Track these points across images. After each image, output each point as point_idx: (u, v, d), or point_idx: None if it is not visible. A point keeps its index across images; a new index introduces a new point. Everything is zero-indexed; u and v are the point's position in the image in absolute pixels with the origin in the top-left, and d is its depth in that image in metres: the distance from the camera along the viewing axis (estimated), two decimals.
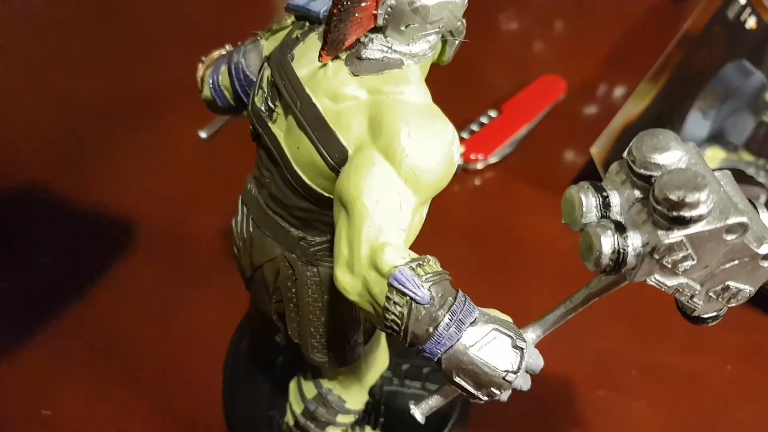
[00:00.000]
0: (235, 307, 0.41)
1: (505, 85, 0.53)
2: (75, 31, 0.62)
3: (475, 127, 0.50)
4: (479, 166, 0.49)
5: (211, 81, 0.30)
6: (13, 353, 0.41)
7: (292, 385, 0.35)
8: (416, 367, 0.39)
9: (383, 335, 0.33)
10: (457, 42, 0.25)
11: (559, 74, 0.55)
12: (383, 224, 0.21)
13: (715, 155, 0.52)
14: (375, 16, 0.23)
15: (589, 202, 0.20)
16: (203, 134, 0.37)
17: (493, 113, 0.51)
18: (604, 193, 0.20)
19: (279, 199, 0.26)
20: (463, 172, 0.50)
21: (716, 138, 0.53)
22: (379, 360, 0.34)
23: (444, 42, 0.24)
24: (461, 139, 0.49)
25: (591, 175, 0.50)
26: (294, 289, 0.27)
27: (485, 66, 0.55)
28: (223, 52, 0.31)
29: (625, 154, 0.20)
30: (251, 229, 0.28)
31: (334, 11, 0.22)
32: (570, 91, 0.54)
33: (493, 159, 0.50)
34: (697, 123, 0.52)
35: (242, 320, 0.41)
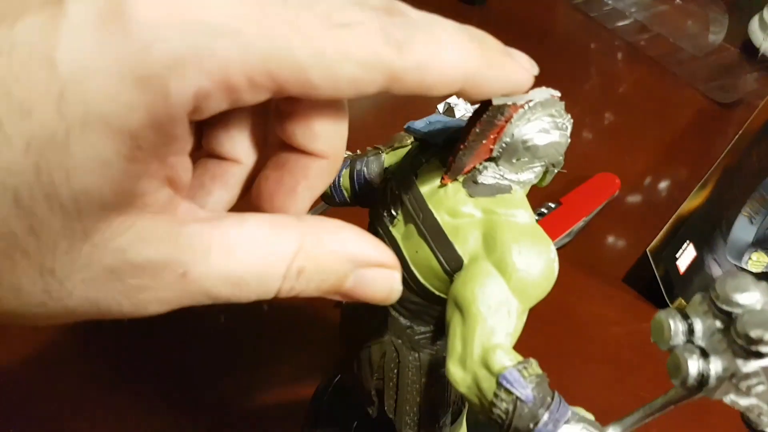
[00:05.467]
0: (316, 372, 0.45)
1: (563, 180, 0.57)
2: None
3: (536, 217, 0.54)
4: None
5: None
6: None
7: None
8: None
9: (465, 420, 0.36)
10: (556, 171, 0.29)
11: (614, 172, 0.59)
12: (495, 328, 0.25)
13: (760, 259, 0.55)
14: (491, 150, 0.27)
15: (676, 327, 0.24)
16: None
17: (552, 205, 0.55)
18: (690, 320, 0.24)
19: None
20: None
21: (761, 243, 0.56)
22: None
23: (545, 171, 0.29)
24: None
25: (644, 266, 0.53)
26: (396, 370, 0.31)
27: None
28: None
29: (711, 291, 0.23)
30: (361, 313, 0.32)
31: (461, 146, 0.27)
32: (624, 188, 0.59)
33: None
34: (744, 228, 0.56)
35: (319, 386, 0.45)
